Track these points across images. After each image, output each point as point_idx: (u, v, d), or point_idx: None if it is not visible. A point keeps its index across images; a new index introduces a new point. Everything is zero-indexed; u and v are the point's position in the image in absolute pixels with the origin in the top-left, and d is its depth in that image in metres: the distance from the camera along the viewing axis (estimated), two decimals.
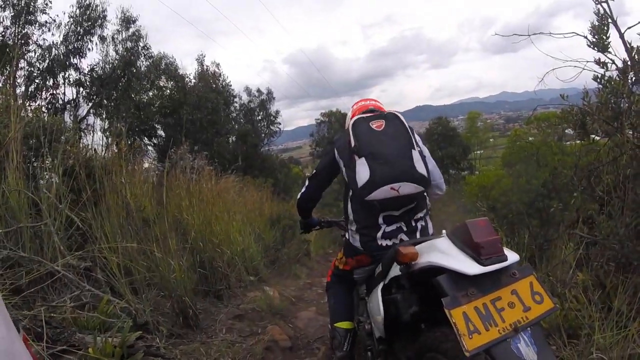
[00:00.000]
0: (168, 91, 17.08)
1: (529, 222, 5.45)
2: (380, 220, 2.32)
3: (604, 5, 3.34)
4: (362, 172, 2.18)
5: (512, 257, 1.56)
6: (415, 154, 2.22)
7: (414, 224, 2.34)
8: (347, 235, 2.59)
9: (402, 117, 2.36)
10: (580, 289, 2.73)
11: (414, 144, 2.26)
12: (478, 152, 43.13)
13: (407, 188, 2.16)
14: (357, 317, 2.72)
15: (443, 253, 1.65)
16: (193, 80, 18.52)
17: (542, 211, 5.88)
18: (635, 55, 3.13)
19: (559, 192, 5.49)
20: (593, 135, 3.50)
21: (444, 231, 1.86)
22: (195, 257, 4.28)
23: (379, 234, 2.32)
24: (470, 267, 1.50)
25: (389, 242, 2.29)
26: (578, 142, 3.97)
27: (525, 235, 4.16)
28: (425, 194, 2.39)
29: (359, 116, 2.39)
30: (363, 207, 2.34)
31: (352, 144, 2.27)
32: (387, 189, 2.14)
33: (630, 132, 3.08)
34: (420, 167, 2.19)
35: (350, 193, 2.42)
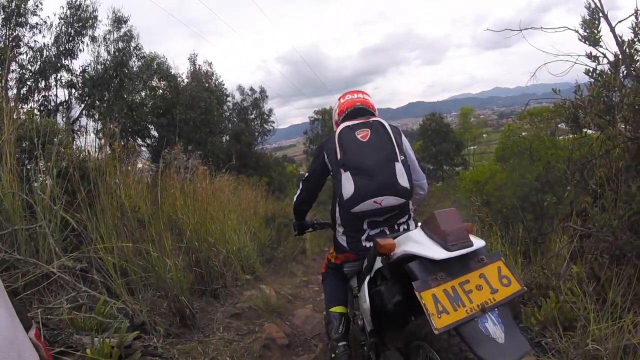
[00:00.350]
0: (161, 91, 16.98)
1: (523, 216, 5.48)
2: (365, 225, 2.46)
3: None
4: (348, 186, 2.29)
5: (477, 243, 1.67)
6: (399, 166, 2.30)
7: (396, 228, 2.46)
8: (336, 235, 2.70)
9: (387, 125, 2.43)
10: (575, 281, 2.75)
11: (397, 155, 2.33)
12: (471, 147, 43.27)
13: (389, 201, 2.28)
14: (352, 312, 2.82)
15: (416, 242, 1.78)
16: (186, 80, 18.45)
17: (536, 205, 5.91)
18: (626, 49, 3.14)
19: (553, 186, 5.52)
20: (585, 129, 3.51)
21: (419, 223, 1.99)
22: (190, 256, 4.28)
23: (364, 237, 2.48)
24: (437, 252, 1.62)
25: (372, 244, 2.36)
26: (571, 136, 3.99)
27: (520, 229, 4.19)
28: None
29: (346, 125, 2.45)
30: (349, 214, 2.41)
31: (339, 156, 2.37)
32: (370, 202, 2.26)
33: (623, 125, 3.11)
34: (402, 181, 2.28)
35: (338, 199, 2.50)
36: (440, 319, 1.46)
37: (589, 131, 3.55)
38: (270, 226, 7.66)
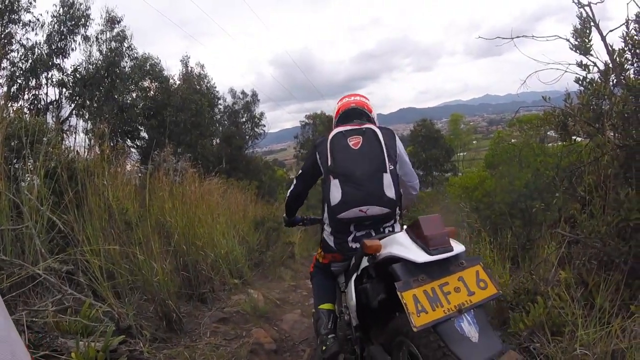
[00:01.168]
0: (152, 92, 16.93)
1: (512, 222, 5.52)
2: (352, 227, 2.54)
3: (587, 9, 3.38)
4: (335, 192, 2.39)
5: (457, 248, 1.78)
6: (387, 177, 2.37)
7: (382, 230, 2.53)
8: (324, 234, 2.79)
9: (379, 134, 2.48)
10: (563, 286, 2.76)
11: (387, 166, 2.39)
12: (461, 154, 43.56)
13: (374, 210, 2.37)
14: (340, 308, 2.94)
15: (400, 245, 1.87)
16: (177, 82, 18.40)
17: (524, 211, 5.95)
18: (617, 58, 3.17)
19: (541, 193, 5.56)
20: (575, 137, 3.54)
21: (404, 227, 2.11)
22: (178, 260, 4.23)
23: (350, 238, 2.55)
24: (419, 256, 1.71)
25: (359, 245, 2.43)
26: (560, 143, 4.02)
27: (508, 235, 4.21)
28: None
29: (339, 130, 2.54)
30: (336, 219, 2.48)
31: (329, 162, 2.46)
32: (356, 210, 2.36)
33: (611, 133, 3.13)
34: (389, 192, 2.36)
35: (326, 204, 2.57)
36: (419, 317, 1.55)
37: (578, 139, 3.58)
38: (259, 230, 7.62)
